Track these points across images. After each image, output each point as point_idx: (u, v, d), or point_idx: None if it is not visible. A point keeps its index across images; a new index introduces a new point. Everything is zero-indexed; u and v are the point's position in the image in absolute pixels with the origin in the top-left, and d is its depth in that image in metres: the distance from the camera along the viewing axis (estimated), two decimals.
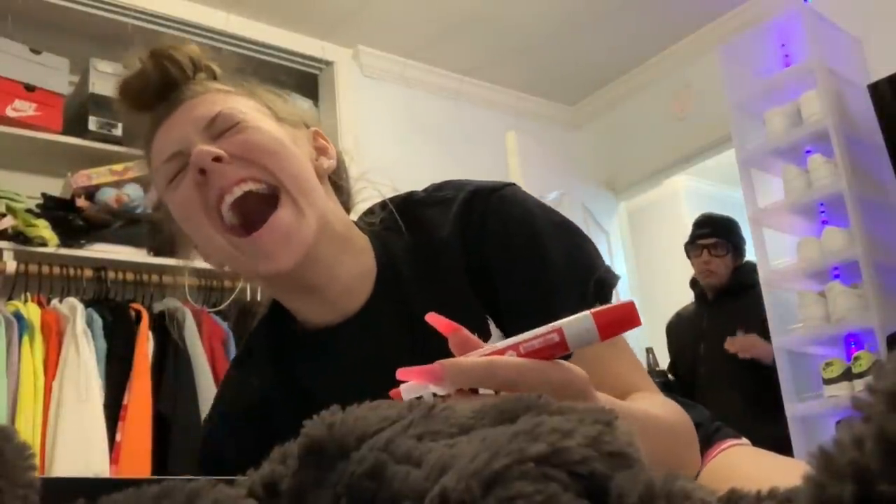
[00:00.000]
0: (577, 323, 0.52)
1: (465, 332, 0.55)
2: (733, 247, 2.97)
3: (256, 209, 0.75)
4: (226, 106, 0.78)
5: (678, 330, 3.15)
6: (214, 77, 0.85)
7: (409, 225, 0.83)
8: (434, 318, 0.56)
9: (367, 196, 0.93)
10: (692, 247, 3.01)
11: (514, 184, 0.84)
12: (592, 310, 0.53)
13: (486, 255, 0.78)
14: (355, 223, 0.86)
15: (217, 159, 0.74)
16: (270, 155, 0.76)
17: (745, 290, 2.91)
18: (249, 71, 0.88)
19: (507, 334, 0.75)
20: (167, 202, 0.79)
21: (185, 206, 0.76)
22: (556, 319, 0.68)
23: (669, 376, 2.97)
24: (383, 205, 0.86)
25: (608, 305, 0.54)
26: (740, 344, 2.78)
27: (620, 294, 3.89)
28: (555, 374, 0.51)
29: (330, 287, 0.78)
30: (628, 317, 0.52)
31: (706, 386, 2.92)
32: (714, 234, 2.96)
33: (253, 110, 0.79)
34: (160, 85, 0.81)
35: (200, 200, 0.75)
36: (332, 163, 0.85)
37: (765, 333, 2.76)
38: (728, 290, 2.97)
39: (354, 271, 0.81)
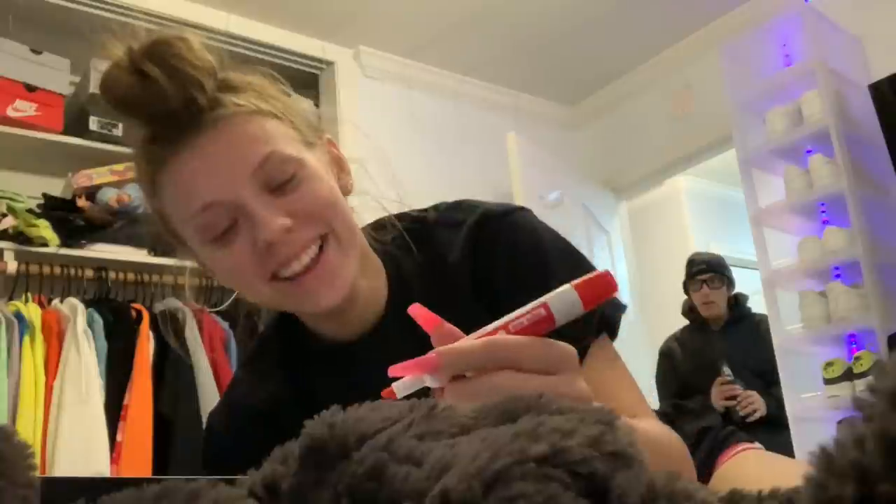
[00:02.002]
0: (560, 296, 0.54)
1: (448, 325, 0.55)
2: (727, 279, 3.32)
3: None
4: (270, 146, 0.72)
5: (682, 356, 3.33)
6: (226, 83, 0.76)
7: (421, 246, 0.82)
8: (416, 311, 0.55)
9: (370, 201, 0.92)
10: (691, 282, 3.32)
11: (524, 208, 0.84)
12: (572, 282, 0.54)
13: (495, 279, 0.78)
14: (366, 235, 0.85)
15: (287, 230, 0.71)
16: (331, 209, 0.74)
17: (746, 317, 3.29)
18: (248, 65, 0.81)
19: None
20: (203, 255, 0.75)
21: (239, 270, 0.73)
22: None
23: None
24: (394, 222, 0.85)
25: (586, 276, 0.55)
26: (748, 402, 2.98)
27: (622, 294, 3.88)
28: (552, 350, 0.52)
29: (349, 309, 0.78)
30: (607, 284, 0.54)
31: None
32: (709, 269, 3.27)
33: (288, 139, 0.74)
34: (178, 106, 0.71)
35: (257, 263, 0.72)
36: (351, 180, 0.84)
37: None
38: (731, 319, 3.26)
39: (371, 292, 0.81)
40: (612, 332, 0.78)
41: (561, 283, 0.75)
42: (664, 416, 0.90)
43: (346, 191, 0.81)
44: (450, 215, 0.84)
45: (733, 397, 2.99)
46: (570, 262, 0.80)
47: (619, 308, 0.79)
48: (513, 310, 0.75)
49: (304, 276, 0.72)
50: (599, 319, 0.76)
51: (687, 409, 0.93)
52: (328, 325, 0.82)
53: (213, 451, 0.86)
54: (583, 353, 0.74)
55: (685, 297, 3.39)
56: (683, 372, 3.30)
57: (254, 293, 0.76)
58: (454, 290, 0.78)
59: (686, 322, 3.45)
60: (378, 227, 0.86)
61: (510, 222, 0.81)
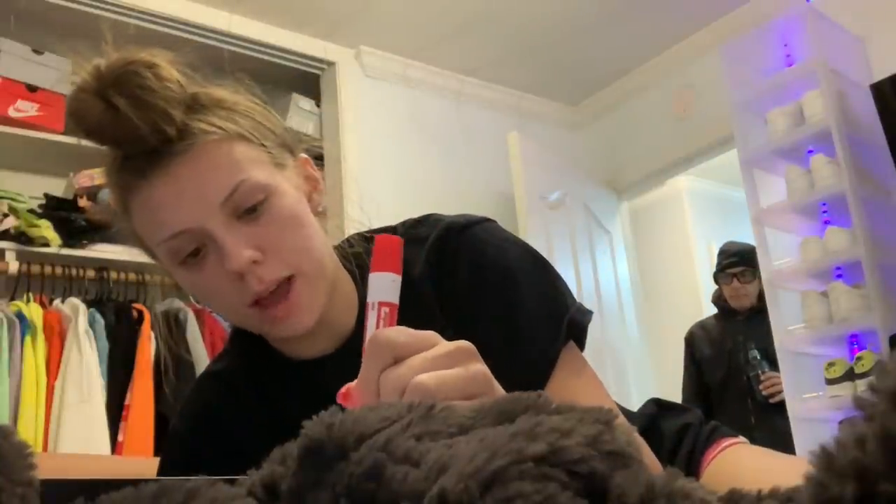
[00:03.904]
0: (374, 286, 0.60)
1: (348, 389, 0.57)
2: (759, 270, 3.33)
3: None
4: (240, 174, 0.72)
5: (707, 341, 3.37)
6: (196, 102, 0.75)
7: None
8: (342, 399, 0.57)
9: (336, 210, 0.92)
10: (722, 275, 3.30)
11: (488, 219, 0.83)
12: (370, 271, 0.60)
13: (459, 293, 0.78)
14: (338, 252, 0.85)
15: (255, 262, 0.72)
16: (299, 244, 0.74)
17: None
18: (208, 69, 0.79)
19: None
20: (176, 274, 0.77)
21: (219, 293, 0.74)
22: (527, 360, 0.73)
23: None
24: (365, 238, 0.85)
25: (375, 254, 0.61)
26: (772, 382, 3.01)
27: (623, 294, 3.88)
28: (408, 331, 0.54)
29: (317, 330, 0.78)
30: (389, 244, 0.61)
31: (744, 393, 3.13)
32: (741, 262, 3.22)
33: (258, 164, 0.74)
34: (146, 137, 0.70)
35: (235, 289, 0.73)
36: (323, 198, 0.83)
37: None
38: (757, 308, 3.20)
39: (341, 311, 0.81)
40: (580, 340, 0.78)
41: (526, 295, 0.77)
42: (644, 417, 0.90)
43: (317, 211, 0.81)
44: (414, 231, 0.83)
45: (772, 384, 3.02)
46: (534, 271, 0.80)
47: (586, 314, 0.79)
48: (478, 321, 0.75)
49: (273, 306, 0.73)
50: (567, 327, 0.76)
51: (667, 407, 0.92)
52: (297, 343, 0.82)
53: (177, 455, 0.87)
54: (552, 363, 0.74)
55: (715, 286, 3.39)
56: (700, 358, 3.34)
57: (232, 314, 0.77)
58: (420, 305, 0.78)
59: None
60: (349, 244, 0.86)
61: (471, 235, 0.80)
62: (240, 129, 0.75)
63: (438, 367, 0.52)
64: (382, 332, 0.55)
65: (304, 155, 0.83)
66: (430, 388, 0.50)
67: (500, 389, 0.55)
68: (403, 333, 0.54)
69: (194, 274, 0.74)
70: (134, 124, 0.69)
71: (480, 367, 0.54)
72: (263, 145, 0.76)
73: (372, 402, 0.52)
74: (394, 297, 0.60)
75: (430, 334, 0.55)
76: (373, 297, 0.60)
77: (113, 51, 0.72)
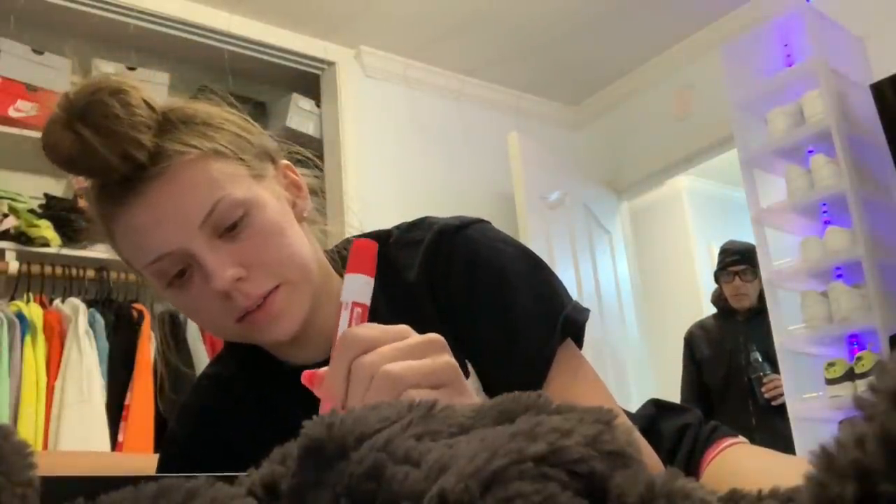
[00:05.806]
0: (348, 287, 0.62)
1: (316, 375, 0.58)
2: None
3: None
4: (218, 192, 0.71)
5: (706, 341, 3.35)
6: (168, 122, 0.74)
7: (382, 267, 0.83)
8: (306, 380, 0.58)
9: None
10: (724, 273, 3.27)
11: (482, 220, 0.83)
12: (346, 271, 0.62)
13: (454, 296, 0.78)
14: (332, 256, 0.85)
15: (239, 279, 0.72)
16: (283, 256, 0.74)
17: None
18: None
19: (479, 374, 0.76)
20: (165, 295, 0.76)
21: (206, 312, 0.75)
22: (524, 359, 0.74)
23: None
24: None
25: (354, 255, 0.63)
26: (774, 385, 3.01)
27: (623, 294, 3.89)
28: (377, 328, 0.56)
29: (306, 334, 0.78)
30: (364, 247, 0.63)
31: (745, 394, 3.12)
32: (743, 261, 3.20)
33: (236, 179, 0.74)
34: (117, 166, 0.70)
35: (221, 307, 0.73)
36: (307, 204, 0.83)
37: None
38: (757, 309, 3.18)
39: (331, 315, 0.81)
40: (578, 338, 0.78)
41: (520, 294, 0.78)
42: (644, 417, 0.90)
43: (302, 217, 0.80)
44: (409, 234, 0.83)
45: (774, 387, 3.00)
46: (529, 271, 0.79)
47: (583, 312, 0.79)
48: (474, 322, 0.75)
49: (255, 313, 0.73)
50: (563, 323, 0.76)
51: (667, 407, 0.92)
52: (289, 350, 0.82)
53: (175, 457, 0.87)
54: (548, 362, 0.74)
55: (716, 285, 3.37)
56: (700, 359, 3.32)
57: (220, 332, 0.78)
58: (417, 310, 0.78)
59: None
60: (343, 248, 0.86)
61: (465, 236, 0.80)
62: (215, 144, 0.74)
63: (408, 357, 0.54)
64: (354, 328, 0.57)
65: (285, 161, 0.83)
66: (399, 375, 0.52)
67: (465, 381, 0.57)
68: (374, 329, 0.56)
69: (182, 295, 0.74)
70: (102, 154, 0.69)
71: (448, 359, 0.56)
72: (241, 159, 0.76)
73: (341, 388, 0.54)
74: (366, 298, 0.62)
75: (402, 328, 0.57)
76: (346, 297, 0.62)
77: (81, 78, 0.72)
